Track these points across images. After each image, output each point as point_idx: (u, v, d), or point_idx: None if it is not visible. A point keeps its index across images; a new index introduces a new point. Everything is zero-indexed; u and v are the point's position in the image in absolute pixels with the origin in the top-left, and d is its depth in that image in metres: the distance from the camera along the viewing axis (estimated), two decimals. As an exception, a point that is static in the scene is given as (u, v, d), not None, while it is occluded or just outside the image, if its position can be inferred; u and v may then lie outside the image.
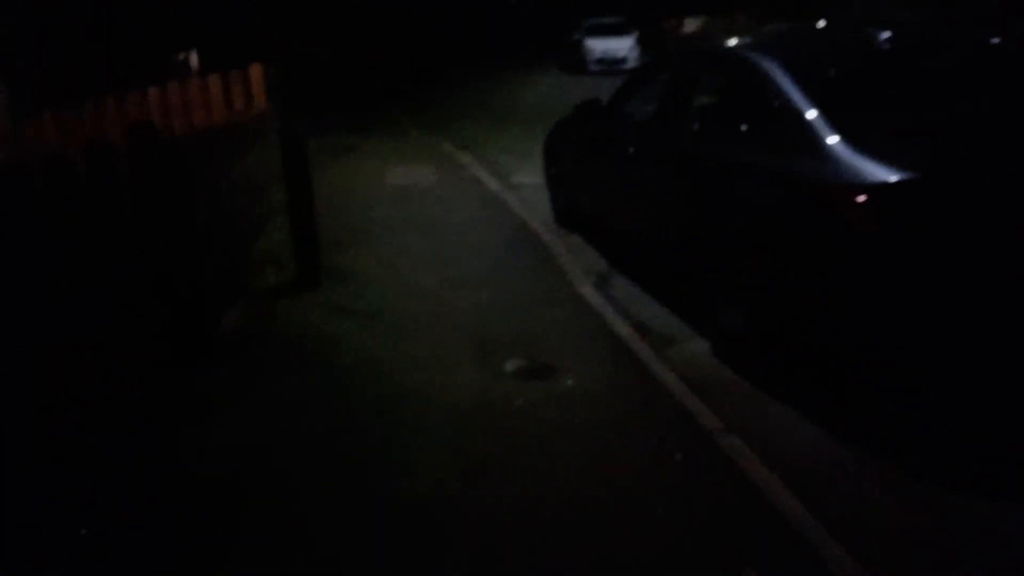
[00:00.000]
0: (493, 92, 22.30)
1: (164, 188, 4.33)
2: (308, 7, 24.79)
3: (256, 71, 9.86)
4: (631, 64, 25.81)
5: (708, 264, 4.80)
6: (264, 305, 5.53)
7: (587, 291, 5.73)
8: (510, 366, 4.58)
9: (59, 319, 3.29)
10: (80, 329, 3.42)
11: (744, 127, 4.68)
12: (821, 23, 6.50)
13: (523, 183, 9.87)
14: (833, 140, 3.85)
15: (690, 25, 27.08)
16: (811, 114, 4.06)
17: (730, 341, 4.70)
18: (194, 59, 23.67)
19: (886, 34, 4.88)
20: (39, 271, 3.22)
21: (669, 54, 5.65)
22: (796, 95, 4.22)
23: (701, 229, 4.83)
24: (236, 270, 5.85)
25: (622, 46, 26.06)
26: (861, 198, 3.54)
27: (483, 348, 4.80)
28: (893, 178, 3.51)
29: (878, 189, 3.52)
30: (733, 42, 5.53)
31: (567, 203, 7.44)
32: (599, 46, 26.08)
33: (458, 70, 29.44)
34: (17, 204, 3.14)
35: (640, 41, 26.53)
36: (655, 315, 5.34)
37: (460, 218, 7.85)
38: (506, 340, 4.92)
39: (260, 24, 20.61)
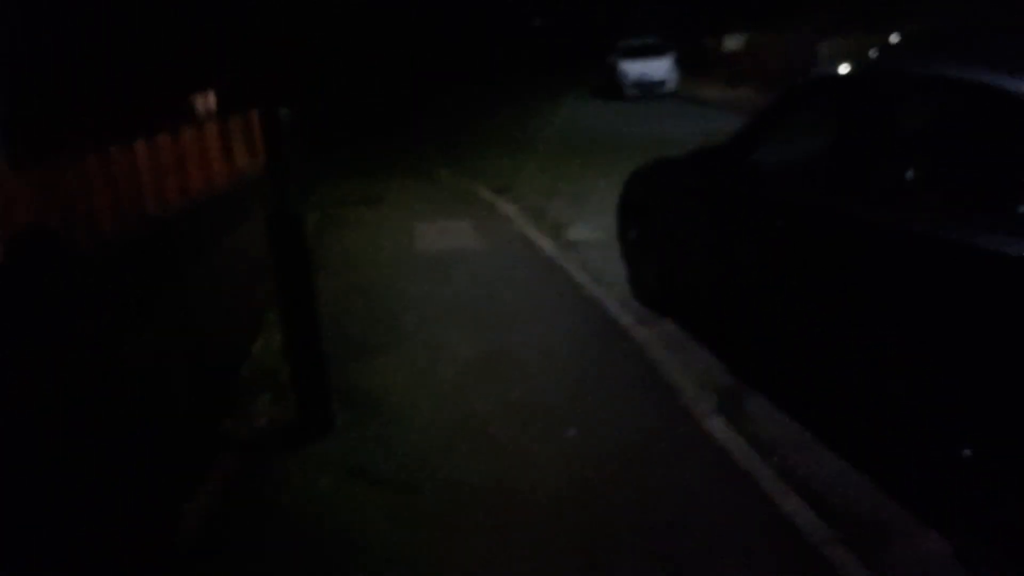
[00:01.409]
0: (525, 121, 20.61)
1: (74, 325, 2.61)
2: (327, 37, 23.30)
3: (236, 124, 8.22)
4: (669, 88, 24.09)
5: (954, 413, 2.99)
6: (251, 469, 3.76)
7: (716, 426, 3.91)
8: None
9: None
10: None
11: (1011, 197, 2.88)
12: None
13: (581, 240, 8.09)
14: None
15: (732, 43, 25.25)
16: None
17: (993, 541, 2.89)
18: (210, 100, 22.26)
19: None
20: None
21: (815, 82, 3.61)
22: None
23: (942, 355, 3.04)
24: (211, 410, 4.10)
25: (659, 68, 24.30)
26: None
27: (593, 557, 3.00)
28: None
29: None
30: (915, 57, 3.74)
31: (658, 278, 5.64)
32: (635, 69, 24.34)
33: (485, 98, 27.86)
34: None
35: (678, 62, 24.76)
36: (840, 481, 3.49)
37: (512, 299, 6.07)
38: (625, 534, 3.11)
39: (269, 55, 19.06)
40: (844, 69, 3.87)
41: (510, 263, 7.06)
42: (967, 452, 2.97)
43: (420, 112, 24.03)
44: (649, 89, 24.08)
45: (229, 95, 13.68)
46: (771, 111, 4.39)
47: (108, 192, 3.24)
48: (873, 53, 3.98)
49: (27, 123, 9.56)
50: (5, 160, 8.12)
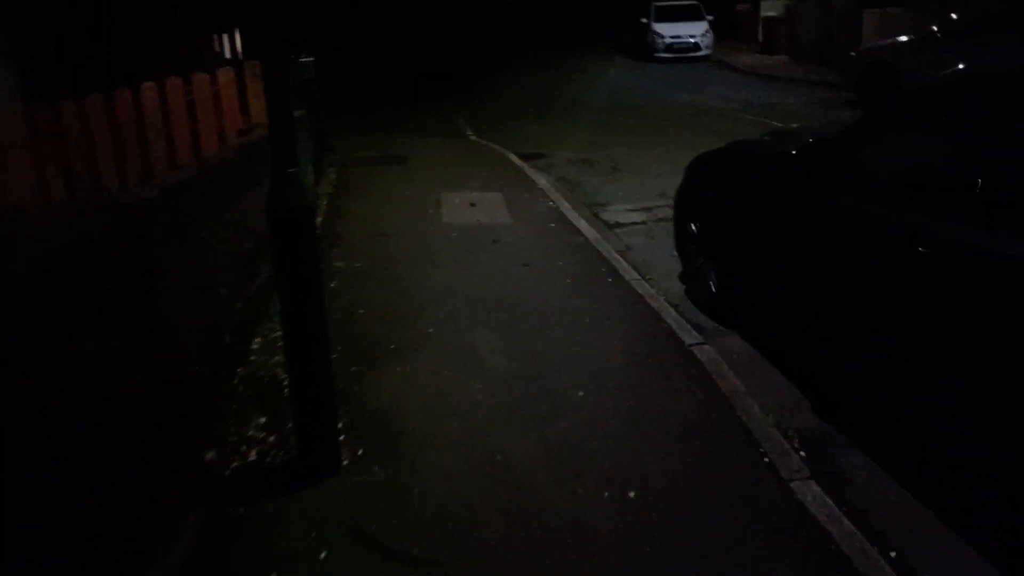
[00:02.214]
0: (554, 82, 19.59)
1: None
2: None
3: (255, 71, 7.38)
4: (704, 51, 22.97)
5: None
6: (229, 528, 2.98)
7: (811, 497, 3.10)
8: None
9: None
10: None
11: None
12: None
13: (623, 221, 7.24)
14: None
15: (769, 9, 23.99)
16: None
17: None
18: (227, 45, 21.03)
19: None
20: None
21: (977, 80, 2.65)
22: None
23: None
24: (190, 439, 3.31)
25: (695, 31, 23.13)
26: None
27: None
28: None
29: None
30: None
31: (722, 282, 4.80)
32: (669, 31, 23.19)
33: (513, 56, 26.72)
34: None
35: (713, 26, 23.57)
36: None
37: (549, 294, 5.24)
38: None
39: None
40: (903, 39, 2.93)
41: (546, 247, 6.22)
42: None
43: (447, 73, 23.01)
44: (683, 52, 22.94)
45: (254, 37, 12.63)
46: (898, 110, 3.50)
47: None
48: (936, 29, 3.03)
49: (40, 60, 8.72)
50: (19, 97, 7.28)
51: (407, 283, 5.46)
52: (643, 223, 7.15)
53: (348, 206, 7.65)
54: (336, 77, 18.68)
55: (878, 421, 3.56)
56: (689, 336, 4.56)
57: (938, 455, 3.14)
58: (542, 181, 8.62)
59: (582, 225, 6.83)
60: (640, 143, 11.08)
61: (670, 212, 7.05)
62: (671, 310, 4.98)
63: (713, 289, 4.91)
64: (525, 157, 10.34)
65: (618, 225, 7.14)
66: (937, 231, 2.96)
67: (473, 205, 7.51)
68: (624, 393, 3.93)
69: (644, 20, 24.32)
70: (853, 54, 13.53)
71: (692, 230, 5.17)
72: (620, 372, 4.17)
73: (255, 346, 4.48)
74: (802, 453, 3.46)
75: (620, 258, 5.96)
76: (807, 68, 18.90)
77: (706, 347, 4.41)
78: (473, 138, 12.12)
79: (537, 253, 6.08)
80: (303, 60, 8.90)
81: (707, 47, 23.04)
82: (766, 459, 3.35)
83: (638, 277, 5.53)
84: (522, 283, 5.43)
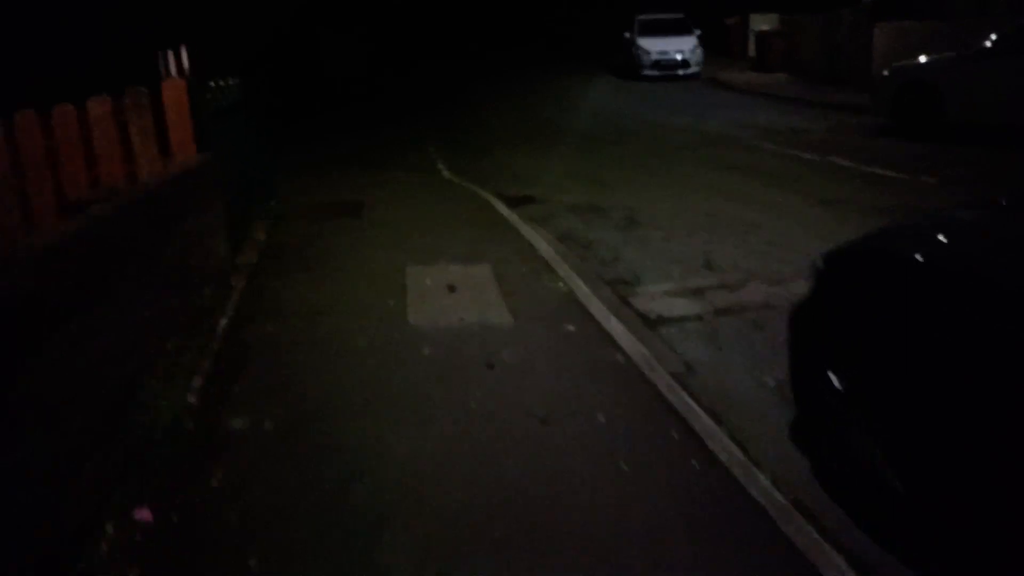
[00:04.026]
0: (535, 104, 17.40)
1: None
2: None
3: (176, 86, 5.24)
4: (694, 68, 20.90)
5: None
6: None
7: None
8: None
9: None
10: None
11: None
12: None
13: (668, 314, 4.99)
14: None
15: (761, 23, 22.03)
16: None
17: None
18: (172, 61, 18.37)
19: None
20: None
21: None
22: None
23: None
24: None
25: (683, 47, 21.07)
26: None
27: None
28: None
29: None
30: None
31: (924, 487, 2.55)
32: (655, 47, 21.12)
33: (487, 74, 24.47)
34: None
35: (702, 41, 21.50)
36: None
37: (598, 508, 2.92)
38: None
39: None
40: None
41: (569, 377, 3.92)
42: None
43: (415, 92, 20.74)
44: (670, 70, 20.86)
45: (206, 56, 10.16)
46: None
47: None
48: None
49: None
50: None
51: (344, 469, 3.13)
52: (698, 317, 4.90)
53: (273, 289, 5.31)
54: (292, 97, 16.33)
55: None
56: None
57: None
58: (542, 243, 6.35)
59: (613, 325, 4.55)
60: (653, 183, 8.86)
61: (730, 298, 4.84)
62: (789, 506, 2.73)
63: (899, 487, 2.64)
64: (513, 202, 8.09)
65: (662, 320, 4.87)
66: None
67: (452, 290, 5.21)
68: None
69: (627, 35, 22.21)
70: (886, 73, 11.43)
71: (837, 382, 2.92)
72: None
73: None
74: None
75: (689, 399, 3.68)
76: (812, 87, 16.84)
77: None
78: (447, 175, 9.82)
79: (557, 392, 3.78)
80: (220, 83, 6.58)
81: (697, 64, 20.97)
82: None
83: (738, 454, 3.23)
84: (543, 469, 3.12)
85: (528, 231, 6.73)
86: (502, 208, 7.70)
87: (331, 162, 10.58)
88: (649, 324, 4.81)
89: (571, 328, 4.55)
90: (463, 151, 11.56)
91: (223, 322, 4.60)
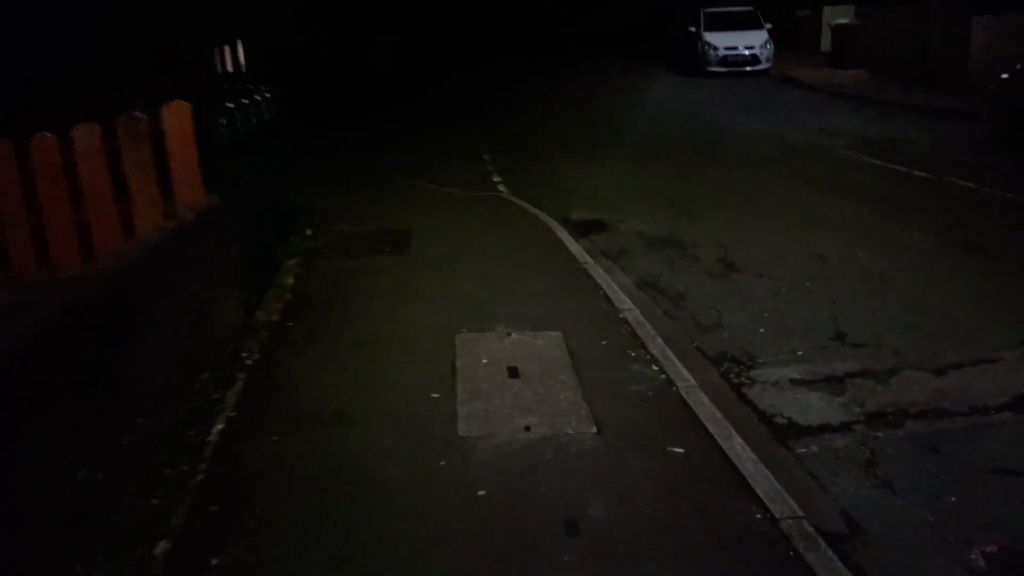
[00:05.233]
0: (594, 104, 16.03)
1: None
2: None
3: (180, 112, 4.16)
4: (764, 65, 19.33)
5: None
6: None
7: None
8: None
9: None
10: None
11: None
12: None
13: (804, 422, 3.72)
14: None
15: (838, 15, 20.31)
16: None
17: None
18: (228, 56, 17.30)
19: None
20: None
21: None
22: None
23: None
24: None
25: (753, 41, 19.48)
26: None
27: None
28: None
29: None
30: None
31: None
32: (723, 41, 19.54)
33: (540, 69, 23.13)
34: None
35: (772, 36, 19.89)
36: None
37: None
38: None
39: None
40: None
41: (689, 550, 2.70)
42: None
43: (466, 91, 19.54)
44: (739, 66, 19.32)
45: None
46: None
47: None
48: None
49: None
50: None
51: None
52: (846, 427, 3.62)
53: (288, 373, 4.14)
54: (336, 97, 15.23)
55: None
56: None
57: None
58: (621, 295, 5.11)
59: (737, 448, 3.30)
60: (740, 208, 7.51)
61: (882, 394, 3.82)
62: None
63: None
64: (580, 229, 6.89)
65: (796, 430, 3.61)
66: None
67: (514, 375, 4.00)
68: None
69: (692, 29, 20.64)
70: (1005, 76, 9.86)
71: None
72: None
73: None
74: None
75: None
76: (897, 87, 15.18)
77: None
78: (503, 191, 8.58)
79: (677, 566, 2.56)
80: (246, 101, 5.48)
81: (767, 60, 19.38)
82: None
83: None
84: None
85: (603, 278, 5.48)
86: (568, 240, 6.46)
87: (377, 172, 9.41)
88: (780, 437, 3.55)
89: (679, 451, 3.31)
90: (519, 158, 10.31)
91: (215, 431, 3.46)
